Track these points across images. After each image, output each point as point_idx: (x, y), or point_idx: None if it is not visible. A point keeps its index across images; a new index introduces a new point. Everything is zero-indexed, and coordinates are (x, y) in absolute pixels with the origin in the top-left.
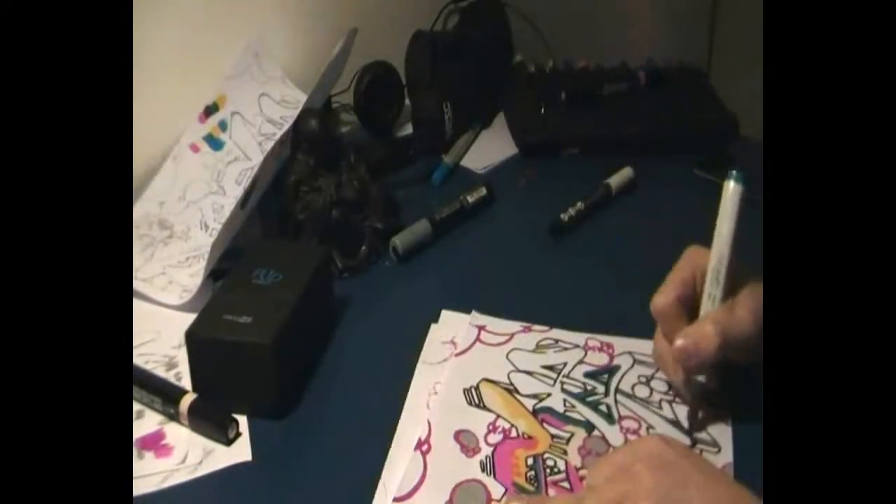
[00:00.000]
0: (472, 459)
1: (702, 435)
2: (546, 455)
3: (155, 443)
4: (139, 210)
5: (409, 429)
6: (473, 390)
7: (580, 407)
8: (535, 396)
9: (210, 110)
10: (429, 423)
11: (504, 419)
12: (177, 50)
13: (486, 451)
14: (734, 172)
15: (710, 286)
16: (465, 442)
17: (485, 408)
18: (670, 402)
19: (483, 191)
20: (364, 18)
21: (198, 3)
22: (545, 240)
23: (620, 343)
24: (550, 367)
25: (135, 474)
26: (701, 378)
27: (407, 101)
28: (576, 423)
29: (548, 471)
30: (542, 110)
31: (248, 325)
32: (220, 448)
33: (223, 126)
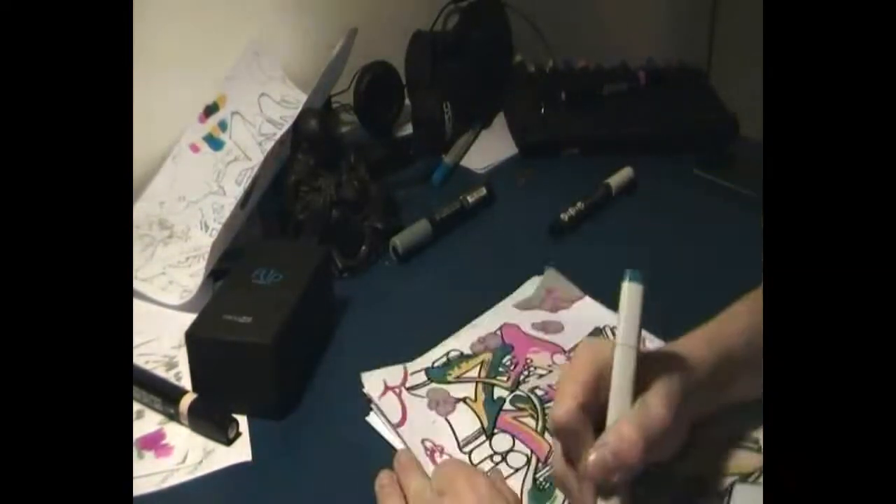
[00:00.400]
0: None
1: None
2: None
3: (155, 443)
4: (139, 210)
5: None
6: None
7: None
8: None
9: (210, 110)
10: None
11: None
12: (177, 50)
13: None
14: (629, 272)
15: (617, 394)
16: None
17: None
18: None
19: (483, 191)
20: (364, 18)
21: (198, 3)
22: (545, 240)
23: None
24: None
25: (135, 474)
26: (618, 498)
27: (407, 101)
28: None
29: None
30: (542, 110)
31: (248, 325)
32: (220, 448)
33: (223, 126)
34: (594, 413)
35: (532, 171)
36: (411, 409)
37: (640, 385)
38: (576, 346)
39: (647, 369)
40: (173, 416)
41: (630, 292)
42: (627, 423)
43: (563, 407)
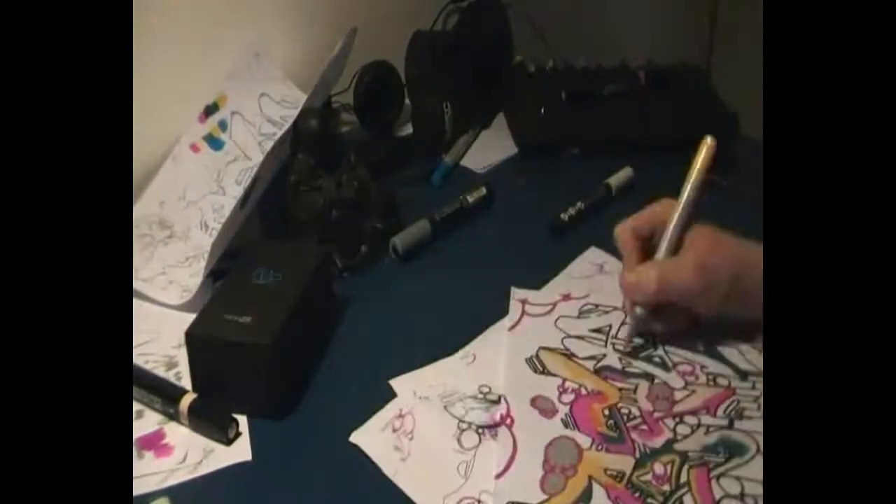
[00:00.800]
0: (554, 420)
1: (750, 368)
2: (620, 405)
3: (155, 443)
4: (139, 210)
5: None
6: (535, 359)
7: (636, 362)
8: (592, 358)
9: (210, 110)
10: (504, 399)
11: (570, 381)
12: (177, 50)
13: (563, 410)
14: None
15: (665, 234)
16: (542, 406)
17: (550, 373)
18: (711, 344)
19: (483, 191)
20: (364, 18)
21: (198, 3)
22: (545, 239)
23: None
24: (598, 330)
25: (135, 474)
26: (639, 310)
27: (407, 101)
28: (637, 376)
29: (625, 417)
30: (542, 110)
31: (248, 325)
32: (220, 448)
33: (223, 126)
34: (645, 240)
35: (527, 175)
36: None
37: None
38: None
39: (697, 227)
40: (173, 416)
41: (704, 152)
42: (653, 266)
43: (620, 226)
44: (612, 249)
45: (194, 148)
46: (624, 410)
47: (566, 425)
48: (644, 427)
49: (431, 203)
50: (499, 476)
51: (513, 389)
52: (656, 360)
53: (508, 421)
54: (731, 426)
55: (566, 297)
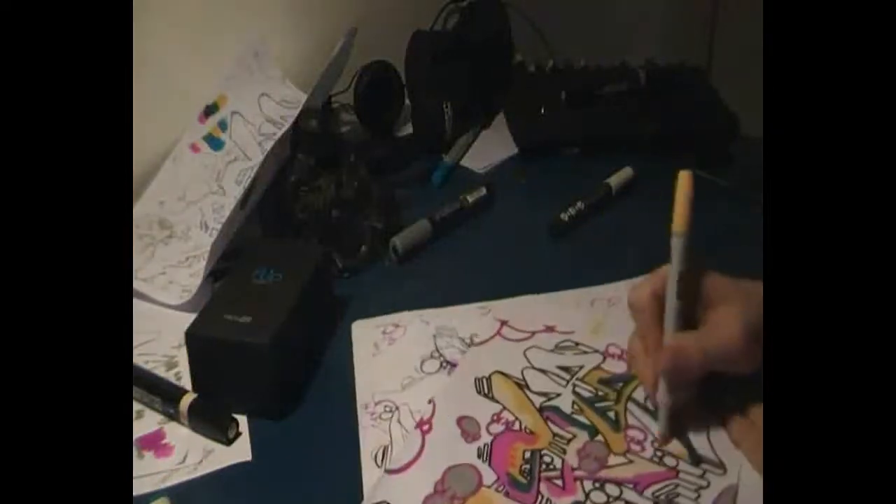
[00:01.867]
0: (471, 445)
1: (709, 455)
2: (544, 451)
3: (155, 443)
4: (139, 210)
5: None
6: (485, 380)
7: (588, 411)
8: (544, 394)
9: (210, 110)
10: (433, 405)
11: (509, 411)
12: (177, 50)
13: (485, 438)
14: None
15: (670, 280)
16: (466, 428)
17: (492, 398)
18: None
19: (483, 191)
20: (364, 18)
21: (198, 3)
22: (545, 240)
23: None
24: (566, 369)
25: (135, 474)
26: (671, 397)
27: (407, 101)
28: (580, 425)
29: (543, 466)
30: (542, 110)
31: (248, 325)
32: (220, 448)
33: (223, 126)
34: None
35: (523, 171)
36: None
37: (710, 296)
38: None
39: (737, 290)
40: (173, 416)
41: (682, 180)
42: (692, 338)
43: (636, 291)
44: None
45: (194, 148)
46: (546, 458)
47: (480, 455)
48: (558, 482)
49: (431, 203)
50: (391, 472)
51: (446, 402)
52: (611, 414)
53: (426, 427)
54: None
55: (549, 329)
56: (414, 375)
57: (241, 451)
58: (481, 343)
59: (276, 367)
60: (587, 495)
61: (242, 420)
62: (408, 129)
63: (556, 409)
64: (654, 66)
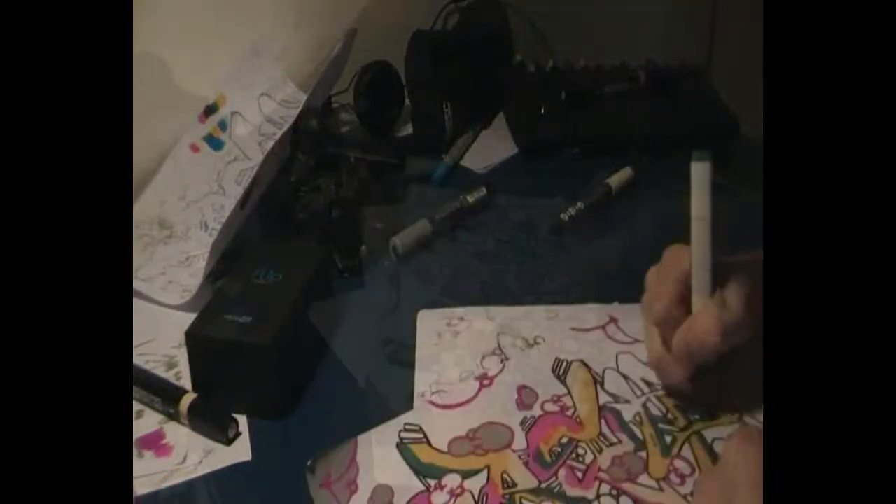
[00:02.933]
0: (519, 413)
1: None
2: (581, 443)
3: (155, 443)
4: (139, 210)
5: None
6: (565, 363)
7: (646, 426)
8: (613, 395)
9: (210, 110)
10: (504, 365)
11: (570, 398)
12: (177, 50)
13: (535, 411)
14: (696, 152)
15: (697, 266)
16: (524, 397)
17: (563, 381)
18: None
19: (483, 191)
20: (364, 18)
21: (198, 3)
22: (545, 240)
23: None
24: (649, 384)
25: (135, 474)
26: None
27: (407, 102)
28: (631, 436)
29: (574, 455)
30: (542, 110)
31: (248, 325)
32: (220, 448)
33: (223, 126)
34: (687, 301)
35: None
36: None
37: (724, 277)
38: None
39: (732, 266)
40: (173, 416)
41: (698, 171)
42: (707, 314)
43: (661, 304)
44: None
45: (194, 148)
46: (581, 450)
47: (522, 423)
48: (579, 473)
49: (431, 203)
50: (434, 405)
51: (520, 365)
52: (667, 438)
53: (487, 381)
54: None
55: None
56: (474, 371)
57: (241, 451)
58: (585, 331)
59: (277, 367)
60: (598, 496)
61: (242, 420)
62: (408, 129)
63: (617, 413)
64: (654, 66)
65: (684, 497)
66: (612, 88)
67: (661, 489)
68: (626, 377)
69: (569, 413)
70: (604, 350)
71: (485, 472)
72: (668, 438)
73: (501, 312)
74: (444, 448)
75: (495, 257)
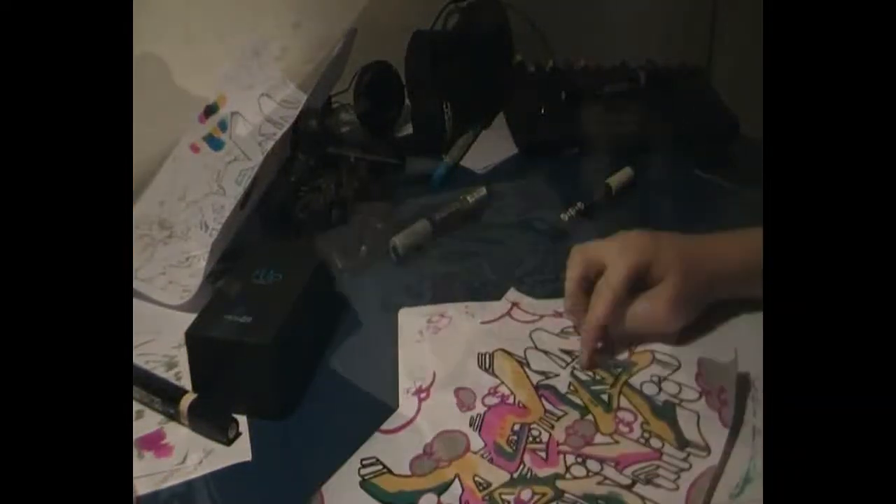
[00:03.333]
0: (464, 414)
1: (696, 439)
2: (533, 425)
3: (155, 443)
4: (139, 210)
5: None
6: (488, 356)
7: (582, 392)
8: (542, 373)
9: (210, 110)
10: (434, 374)
11: (506, 386)
12: (177, 50)
13: (479, 409)
14: None
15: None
16: (462, 398)
17: (492, 373)
18: (674, 405)
19: (483, 191)
20: (364, 18)
21: (198, 3)
22: (545, 240)
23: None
24: (568, 352)
25: (135, 474)
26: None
27: (407, 102)
28: (572, 405)
29: (530, 438)
30: (542, 110)
31: (248, 325)
32: (220, 448)
33: (223, 126)
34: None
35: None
36: None
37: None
38: None
39: (671, 258)
40: (173, 416)
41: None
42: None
43: (576, 306)
44: None
45: (194, 148)
46: (535, 432)
47: (472, 424)
48: (542, 454)
49: (431, 203)
50: (383, 432)
51: (446, 373)
52: (604, 396)
53: (423, 395)
54: (629, 487)
55: (557, 314)
56: (452, 370)
57: (241, 451)
58: (491, 321)
59: (277, 367)
60: (568, 468)
61: (242, 420)
62: (408, 129)
63: (552, 389)
64: (654, 67)
65: (636, 440)
66: (612, 88)
67: (616, 441)
68: (546, 353)
69: (510, 401)
70: (518, 333)
71: (456, 482)
72: (605, 397)
73: (480, 308)
74: (407, 472)
75: (495, 258)
